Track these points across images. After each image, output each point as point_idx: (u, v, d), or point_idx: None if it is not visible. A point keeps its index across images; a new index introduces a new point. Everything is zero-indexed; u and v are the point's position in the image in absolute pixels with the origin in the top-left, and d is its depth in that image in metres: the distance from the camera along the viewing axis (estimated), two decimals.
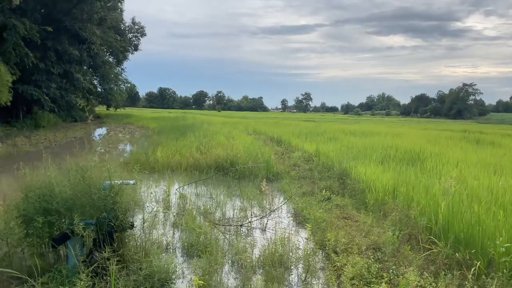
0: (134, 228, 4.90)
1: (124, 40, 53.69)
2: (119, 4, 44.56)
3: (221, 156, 13.44)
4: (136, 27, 58.23)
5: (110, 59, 51.39)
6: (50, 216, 4.54)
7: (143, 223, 5.07)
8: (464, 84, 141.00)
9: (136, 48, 59.25)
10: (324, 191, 9.77)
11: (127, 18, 63.67)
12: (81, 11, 33.22)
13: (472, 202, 6.71)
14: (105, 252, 4.19)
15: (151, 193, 9.17)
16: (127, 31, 56.97)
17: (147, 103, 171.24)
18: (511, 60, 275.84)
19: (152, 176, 11.72)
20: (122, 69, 58.96)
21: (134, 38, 58.69)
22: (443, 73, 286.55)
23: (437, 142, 17.69)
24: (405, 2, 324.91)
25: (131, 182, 5.06)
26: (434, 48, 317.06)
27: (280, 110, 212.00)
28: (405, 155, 13.28)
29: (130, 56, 58.60)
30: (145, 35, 59.10)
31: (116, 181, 4.83)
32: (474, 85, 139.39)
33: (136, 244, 4.94)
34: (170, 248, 6.05)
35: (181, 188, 10.18)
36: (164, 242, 6.08)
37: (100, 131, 32.32)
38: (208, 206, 8.57)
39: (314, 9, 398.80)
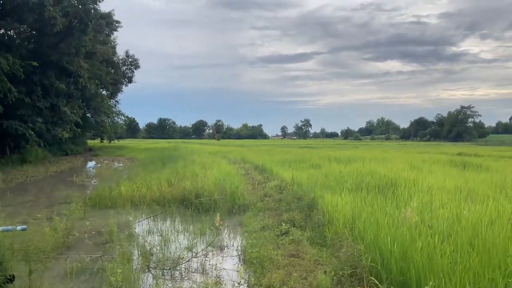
0: (13, 282, 4.29)
1: (117, 72, 54.07)
2: (110, 37, 45.09)
3: (188, 188, 12.85)
4: (130, 60, 58.90)
5: (104, 92, 51.57)
6: None
7: (29, 274, 4.44)
8: (462, 107, 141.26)
9: (130, 80, 59.75)
10: (284, 224, 9.11)
11: (123, 51, 64.12)
12: (69, 45, 33.37)
13: (428, 236, 6.06)
14: None
15: (93, 233, 8.53)
16: (120, 64, 57.49)
17: (147, 134, 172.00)
18: (510, 81, 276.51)
19: (106, 212, 11.08)
20: (116, 101, 59.32)
21: (128, 71, 59.24)
22: (441, 97, 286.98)
23: (419, 167, 17.02)
24: (399, 28, 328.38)
25: (18, 227, 4.49)
26: (431, 73, 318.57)
27: (280, 137, 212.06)
28: (380, 182, 12.62)
29: (130, 88, 59.30)
30: (139, 67, 59.79)
31: None
32: (472, 107, 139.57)
33: None
34: None
35: (134, 224, 9.55)
36: None
37: (86, 165, 31.85)
38: (154, 245, 7.93)
39: (311, 38, 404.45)
